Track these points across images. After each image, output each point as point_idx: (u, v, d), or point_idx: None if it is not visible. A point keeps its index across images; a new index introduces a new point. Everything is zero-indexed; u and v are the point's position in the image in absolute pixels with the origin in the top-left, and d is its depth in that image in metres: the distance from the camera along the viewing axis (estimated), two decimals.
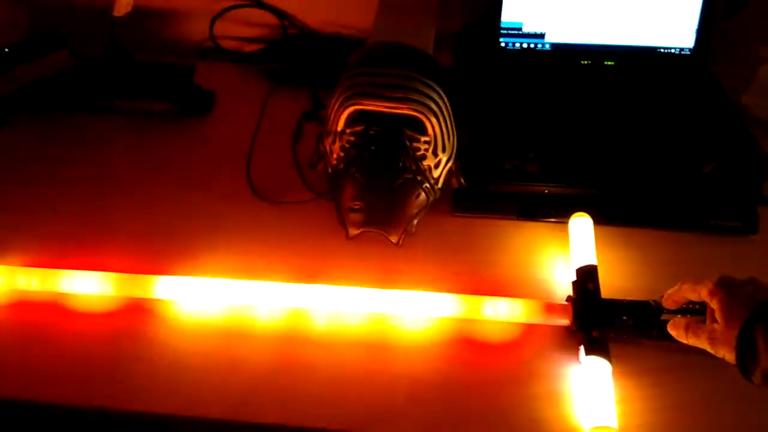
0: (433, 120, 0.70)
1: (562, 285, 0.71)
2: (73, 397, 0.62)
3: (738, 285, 0.55)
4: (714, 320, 0.56)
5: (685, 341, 0.59)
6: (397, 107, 0.68)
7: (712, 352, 0.55)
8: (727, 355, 0.53)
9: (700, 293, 0.57)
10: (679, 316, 0.61)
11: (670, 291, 0.62)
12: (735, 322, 0.52)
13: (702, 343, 0.56)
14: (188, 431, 0.65)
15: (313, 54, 1.00)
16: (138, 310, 0.69)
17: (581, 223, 0.73)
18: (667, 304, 0.62)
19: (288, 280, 0.69)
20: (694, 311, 0.62)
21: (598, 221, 0.75)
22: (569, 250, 0.73)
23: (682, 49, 0.92)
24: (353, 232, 0.72)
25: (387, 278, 0.71)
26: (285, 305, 0.68)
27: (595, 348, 0.62)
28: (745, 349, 0.51)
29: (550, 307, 0.66)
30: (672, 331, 0.60)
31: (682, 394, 0.62)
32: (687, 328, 0.58)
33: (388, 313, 0.68)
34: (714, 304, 0.55)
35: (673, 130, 0.85)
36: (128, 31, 0.93)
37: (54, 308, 0.69)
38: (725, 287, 0.55)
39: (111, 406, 0.61)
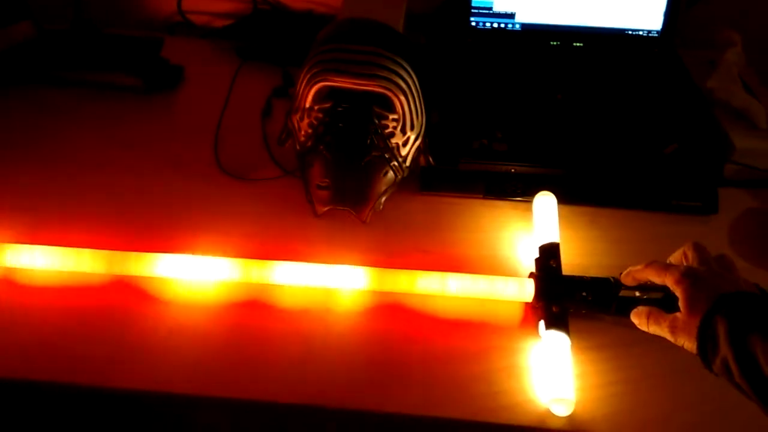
0: (402, 98, 0.70)
1: (526, 262, 0.72)
2: (33, 371, 0.61)
3: (704, 276, 0.55)
4: (676, 309, 0.56)
5: (646, 329, 0.59)
6: (365, 84, 0.68)
7: (672, 341, 0.56)
8: (687, 343, 0.54)
9: (666, 280, 0.57)
10: (641, 306, 0.61)
11: (632, 268, 0.63)
12: (697, 313, 0.52)
13: (663, 332, 0.57)
14: (157, 406, 0.65)
15: (284, 30, 0.99)
16: (100, 286, 0.68)
17: (545, 202, 0.74)
18: (626, 280, 0.64)
19: (255, 257, 0.69)
20: (650, 288, 0.63)
21: (563, 200, 0.76)
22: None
23: (649, 32, 0.93)
24: (321, 209, 0.73)
25: (354, 255, 0.71)
26: (252, 281, 0.68)
27: (554, 322, 0.63)
28: (705, 339, 0.51)
29: (513, 283, 0.67)
30: (634, 319, 0.61)
31: (639, 368, 0.64)
32: (648, 317, 0.59)
33: (354, 289, 0.68)
34: (678, 293, 0.55)
35: (638, 111, 0.86)
36: (94, 3, 0.92)
37: (9, 284, 0.68)
38: (691, 278, 0.55)
39: (75, 380, 0.61)
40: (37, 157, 0.82)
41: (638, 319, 0.60)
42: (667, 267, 0.58)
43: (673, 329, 0.55)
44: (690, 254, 0.59)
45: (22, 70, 0.90)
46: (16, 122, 0.86)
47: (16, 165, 0.80)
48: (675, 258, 0.61)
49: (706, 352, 0.51)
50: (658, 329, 0.58)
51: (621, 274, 0.65)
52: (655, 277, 0.59)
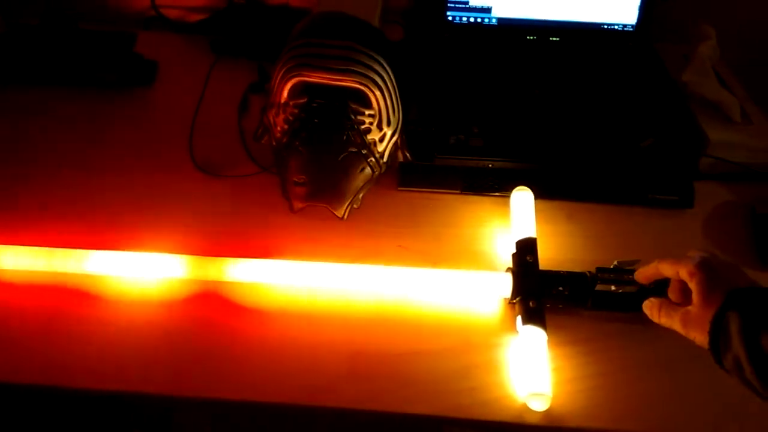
0: (378, 93, 0.69)
1: (503, 257, 0.72)
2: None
3: (719, 268, 0.54)
4: (685, 302, 0.56)
5: (657, 321, 0.59)
6: (340, 79, 0.67)
7: (683, 333, 0.55)
8: (699, 337, 0.52)
9: (680, 272, 0.55)
10: (653, 297, 0.60)
11: (642, 268, 0.62)
12: (711, 306, 0.51)
13: (674, 325, 0.56)
14: (135, 404, 0.64)
15: (259, 24, 0.98)
16: (75, 285, 0.67)
17: (522, 197, 0.74)
18: (639, 279, 0.62)
19: (231, 255, 0.68)
20: (624, 282, 0.64)
21: (540, 195, 0.76)
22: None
23: (625, 26, 0.94)
24: (297, 205, 0.72)
25: (332, 252, 0.71)
26: (228, 279, 0.68)
27: (531, 317, 0.63)
28: (718, 335, 0.50)
29: (490, 278, 0.67)
30: (646, 311, 0.60)
31: (615, 362, 0.64)
32: (660, 308, 0.58)
33: (332, 286, 0.68)
34: (692, 285, 0.54)
35: (614, 105, 0.86)
36: None
37: None
38: (706, 270, 0.53)
39: (43, 382, 0.60)
40: (7, 155, 0.80)
41: (650, 311, 0.60)
42: (681, 259, 0.56)
43: (684, 322, 0.54)
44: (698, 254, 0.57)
45: None
46: None
47: None
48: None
49: (718, 347, 0.50)
50: (669, 322, 0.57)
51: (597, 269, 0.66)
52: (669, 271, 0.57)
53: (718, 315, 0.50)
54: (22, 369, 0.61)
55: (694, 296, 0.54)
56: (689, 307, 0.54)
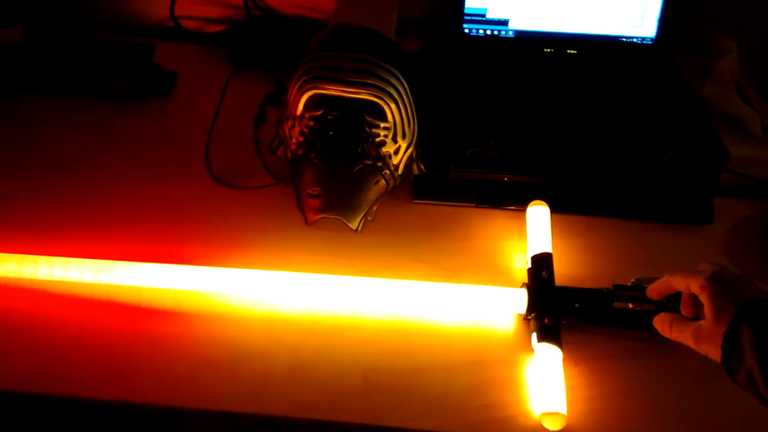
0: (393, 106, 0.69)
1: (519, 272, 0.72)
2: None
3: (730, 281, 0.53)
4: (699, 315, 0.55)
5: (669, 336, 0.58)
6: (356, 92, 0.67)
7: (696, 349, 0.54)
8: (711, 351, 0.52)
9: (690, 286, 0.55)
10: (663, 313, 0.60)
11: (653, 284, 0.61)
12: (723, 321, 0.50)
13: (686, 339, 0.55)
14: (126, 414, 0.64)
15: (277, 36, 0.98)
16: (89, 295, 0.68)
17: (538, 212, 0.74)
18: (651, 294, 0.62)
19: (246, 266, 0.68)
20: (643, 300, 0.63)
21: (556, 209, 0.75)
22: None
23: (644, 39, 0.93)
24: (312, 218, 0.72)
25: (345, 265, 0.70)
26: (243, 292, 0.68)
27: (546, 335, 0.62)
28: (731, 349, 0.49)
29: (505, 294, 0.66)
30: (657, 326, 0.60)
31: (632, 381, 0.63)
32: (672, 324, 0.57)
33: (345, 299, 0.68)
34: (703, 299, 0.53)
35: (632, 119, 0.85)
36: (85, 8, 0.91)
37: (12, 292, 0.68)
38: (716, 283, 0.53)
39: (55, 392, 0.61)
40: (26, 165, 0.81)
41: (661, 326, 0.59)
42: (691, 273, 0.56)
43: (696, 337, 0.54)
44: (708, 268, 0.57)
45: (12, 76, 0.89)
46: (4, 129, 0.85)
47: (4, 172, 0.79)
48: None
49: (731, 362, 0.49)
50: (681, 337, 0.56)
51: (614, 286, 0.65)
52: (680, 285, 0.57)
53: (731, 329, 0.49)
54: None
55: (706, 310, 0.53)
56: (701, 322, 0.54)
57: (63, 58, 0.90)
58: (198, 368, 0.62)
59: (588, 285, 0.67)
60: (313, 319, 0.67)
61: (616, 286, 0.65)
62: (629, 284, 0.66)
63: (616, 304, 0.64)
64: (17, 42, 0.90)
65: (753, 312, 0.49)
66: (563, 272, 0.69)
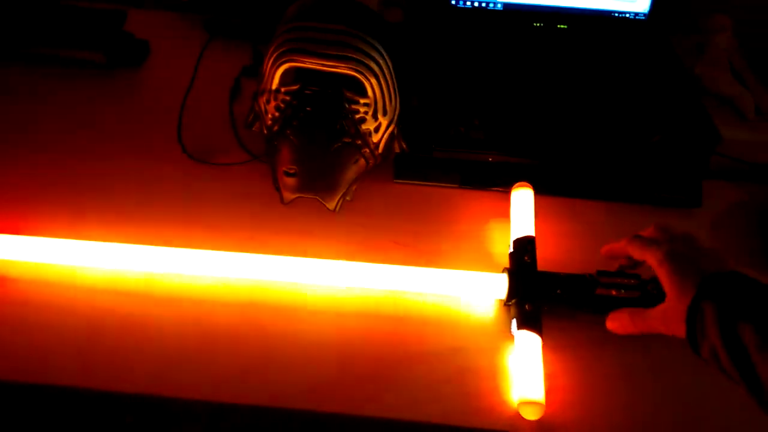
0: (374, 81, 0.66)
1: (501, 256, 0.70)
2: None
3: (688, 254, 0.54)
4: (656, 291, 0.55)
5: (632, 331, 0.57)
6: (335, 66, 0.64)
7: (667, 332, 0.53)
8: (679, 330, 0.52)
9: (648, 259, 0.56)
10: (614, 310, 0.59)
11: (610, 244, 0.61)
12: (684, 298, 0.51)
13: (654, 326, 0.55)
14: (108, 405, 0.63)
15: (256, 3, 0.94)
16: (57, 277, 0.65)
17: (522, 194, 0.71)
18: (604, 252, 0.62)
19: (219, 247, 0.65)
20: (628, 287, 0.61)
21: (542, 191, 0.73)
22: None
23: (637, 14, 0.90)
24: (288, 197, 0.69)
25: (322, 246, 0.68)
26: (215, 273, 0.65)
27: (526, 321, 0.60)
28: (694, 326, 0.50)
29: (486, 279, 0.64)
30: (612, 324, 0.59)
31: (613, 369, 0.62)
32: (631, 318, 0.57)
33: (321, 283, 0.65)
34: (661, 275, 0.54)
35: (622, 98, 0.83)
36: None
37: None
38: (674, 259, 0.53)
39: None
40: None
41: (619, 324, 0.58)
42: (649, 245, 0.56)
43: (665, 320, 0.53)
44: (658, 236, 0.57)
45: None
46: None
47: None
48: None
49: (696, 338, 0.50)
50: (647, 325, 0.56)
51: (597, 272, 0.63)
52: (637, 253, 0.57)
53: (693, 306, 0.50)
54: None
55: (667, 289, 0.53)
56: (663, 304, 0.54)
57: (26, 26, 0.86)
58: (169, 355, 0.60)
59: (573, 270, 0.65)
60: (286, 303, 0.65)
61: (599, 272, 0.63)
62: (614, 270, 0.64)
63: (599, 291, 0.62)
64: None
65: (713, 287, 0.50)
66: (548, 257, 0.67)
